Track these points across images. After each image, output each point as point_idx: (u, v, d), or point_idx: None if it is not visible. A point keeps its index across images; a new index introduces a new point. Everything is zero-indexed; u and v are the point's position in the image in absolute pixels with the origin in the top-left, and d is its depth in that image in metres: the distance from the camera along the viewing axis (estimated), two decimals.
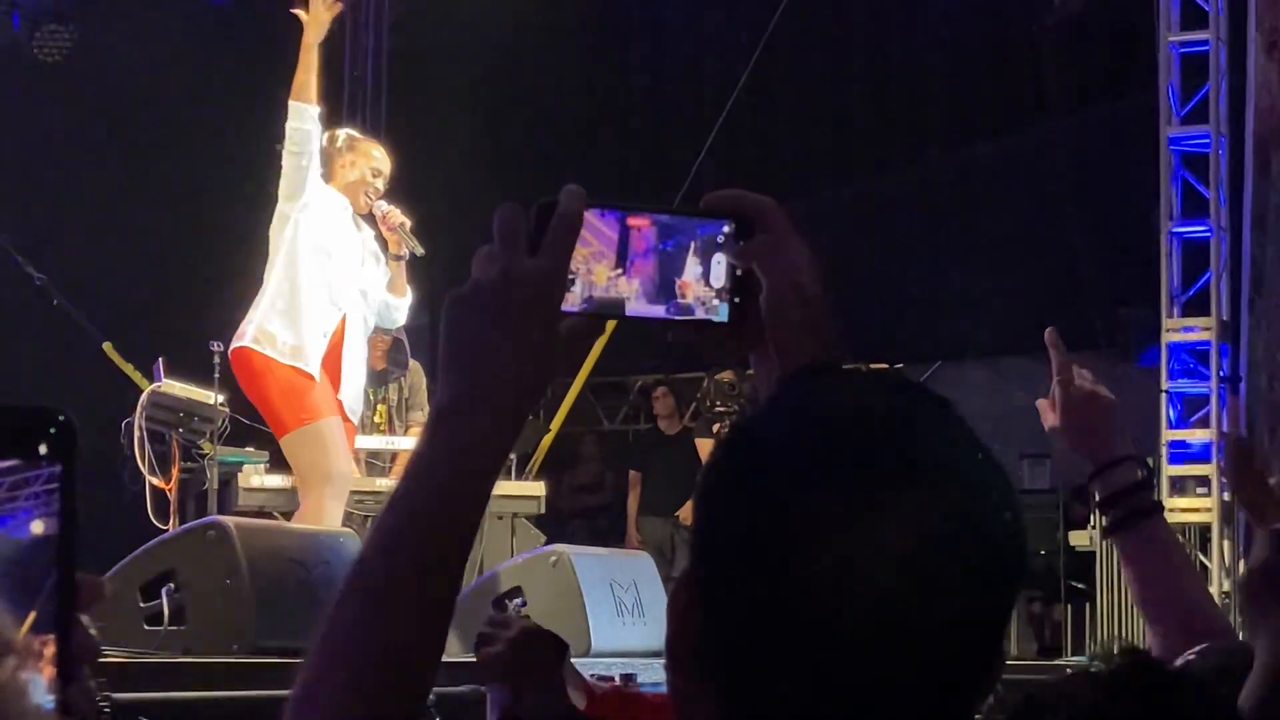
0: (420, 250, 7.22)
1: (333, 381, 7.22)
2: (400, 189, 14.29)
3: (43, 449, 0.98)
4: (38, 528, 0.97)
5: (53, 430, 0.98)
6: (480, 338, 1.38)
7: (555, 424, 12.68)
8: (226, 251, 14.35)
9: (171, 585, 6.05)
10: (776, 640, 1.15)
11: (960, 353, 14.72)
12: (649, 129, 14.85)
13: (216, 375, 8.99)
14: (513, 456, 10.34)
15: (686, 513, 12.05)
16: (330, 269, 7.18)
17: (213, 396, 8.97)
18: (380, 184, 7.28)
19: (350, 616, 1.34)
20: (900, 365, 14.84)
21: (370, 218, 7.38)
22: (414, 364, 9.95)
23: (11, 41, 11.92)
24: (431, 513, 1.35)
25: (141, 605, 6.04)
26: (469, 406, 1.37)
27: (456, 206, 14.97)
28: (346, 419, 7.30)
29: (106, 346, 12.30)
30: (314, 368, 7.12)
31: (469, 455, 1.37)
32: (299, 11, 7.40)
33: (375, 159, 7.35)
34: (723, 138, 12.53)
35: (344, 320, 7.21)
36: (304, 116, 7.17)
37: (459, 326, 1.39)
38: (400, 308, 7.40)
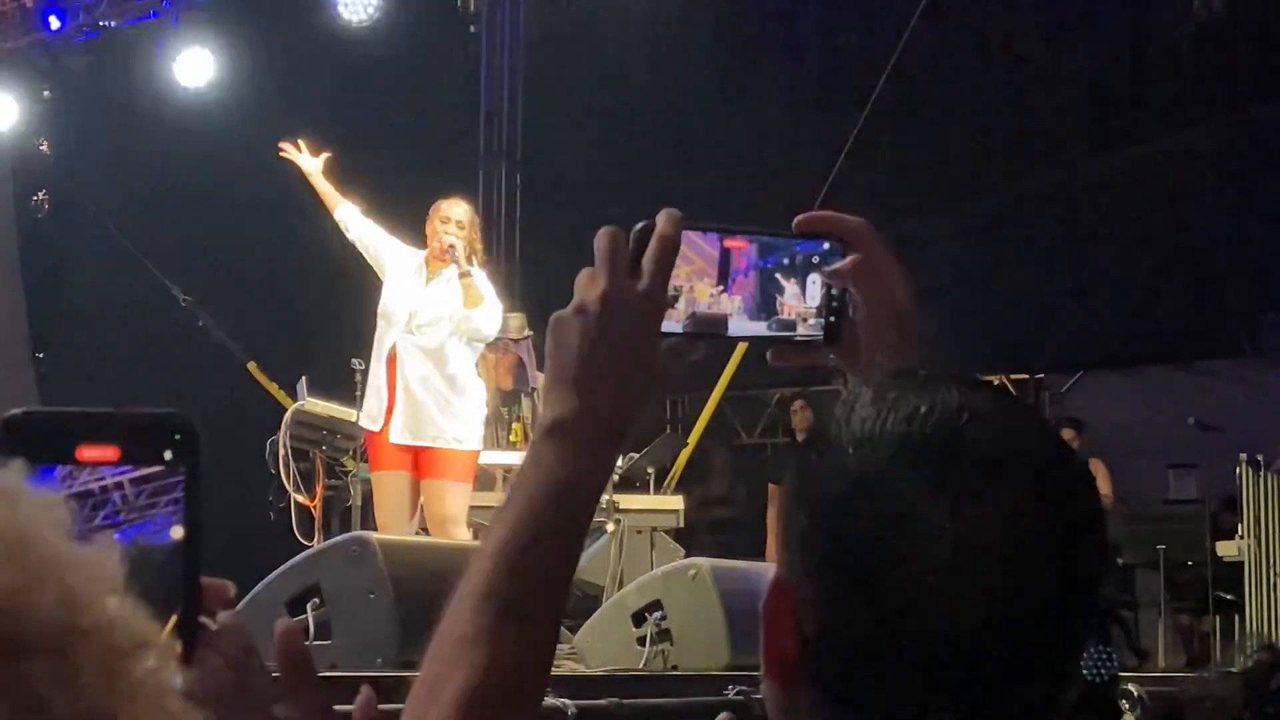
0: (463, 267, 7.94)
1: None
2: (534, 211, 14.41)
3: (168, 454, 0.99)
4: (178, 533, 0.99)
5: (177, 436, 0.99)
6: (583, 357, 1.41)
7: (693, 438, 12.68)
8: (367, 270, 14.48)
9: (316, 600, 6.13)
10: (865, 637, 1.15)
11: (1104, 362, 14.53)
12: (784, 143, 14.82)
13: (358, 393, 9.08)
14: (650, 470, 10.37)
15: None
16: (387, 332, 8.12)
17: (354, 414, 9.05)
18: (451, 228, 8.08)
19: (459, 629, 1.37)
20: (1042, 375, 14.73)
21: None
22: (543, 377, 10.01)
23: (156, 68, 12.15)
24: (536, 529, 1.38)
25: (288, 620, 6.12)
26: (572, 425, 1.40)
27: (590, 229, 15.01)
28: (427, 450, 7.93)
29: (251, 366, 12.49)
30: (374, 424, 8.05)
31: (572, 473, 1.39)
32: (286, 155, 8.47)
33: (445, 210, 8.21)
34: (859, 149, 12.48)
35: (391, 362, 8.03)
36: (339, 215, 8.41)
37: (562, 346, 1.43)
38: (477, 317, 7.97)
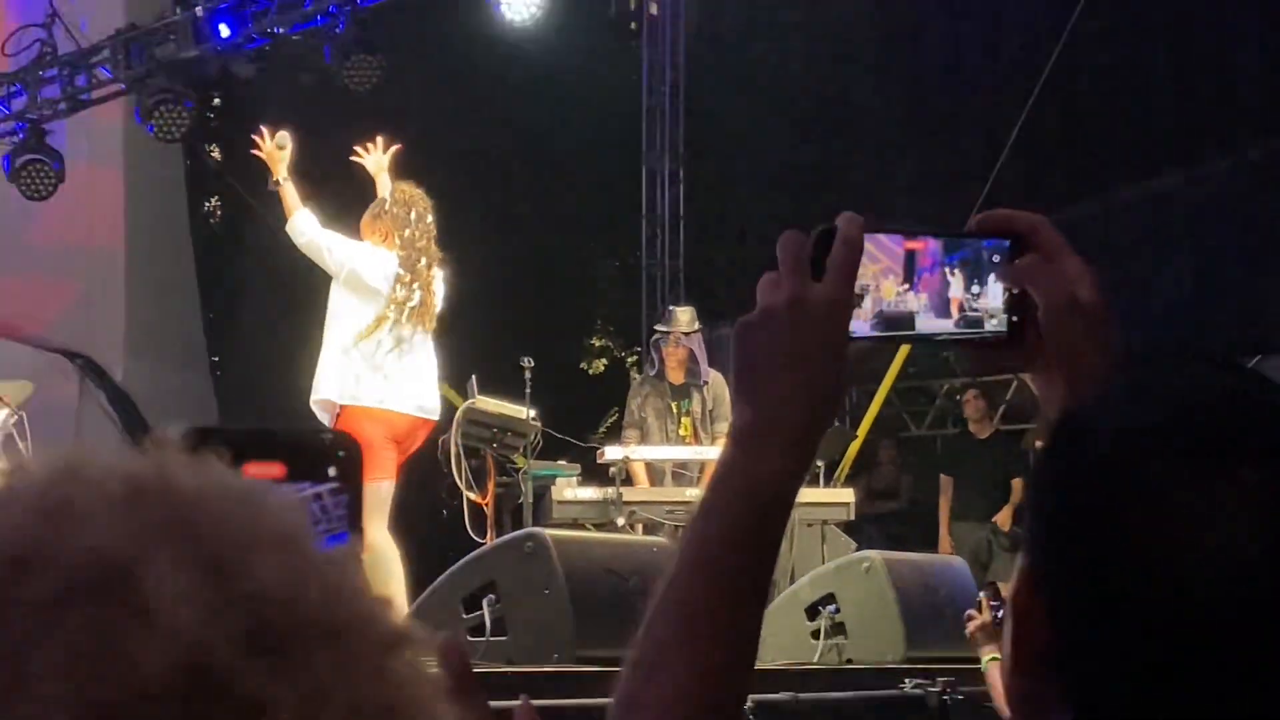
0: (277, 174, 8.02)
1: None
2: (698, 206, 14.41)
3: (332, 471, 1.02)
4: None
5: (340, 453, 1.02)
6: (771, 363, 1.41)
7: (861, 430, 12.61)
8: (537, 269, 14.61)
9: (492, 597, 6.18)
10: (1125, 631, 1.12)
11: None
12: (947, 133, 14.70)
13: (528, 390, 9.16)
14: (820, 464, 10.32)
15: (1003, 518, 11.85)
16: None
17: (524, 411, 9.13)
18: None
19: (661, 635, 1.38)
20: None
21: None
22: (715, 374, 9.98)
23: (323, 73, 12.33)
24: (731, 535, 1.39)
25: (464, 616, 6.18)
26: (763, 431, 1.40)
27: (754, 223, 15.04)
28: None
29: None
30: None
31: (765, 479, 1.40)
32: (359, 159, 8.36)
33: None
34: (1024, 135, 12.34)
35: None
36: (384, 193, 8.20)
37: (750, 353, 1.43)
38: (289, 230, 8.00)
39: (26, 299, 14.24)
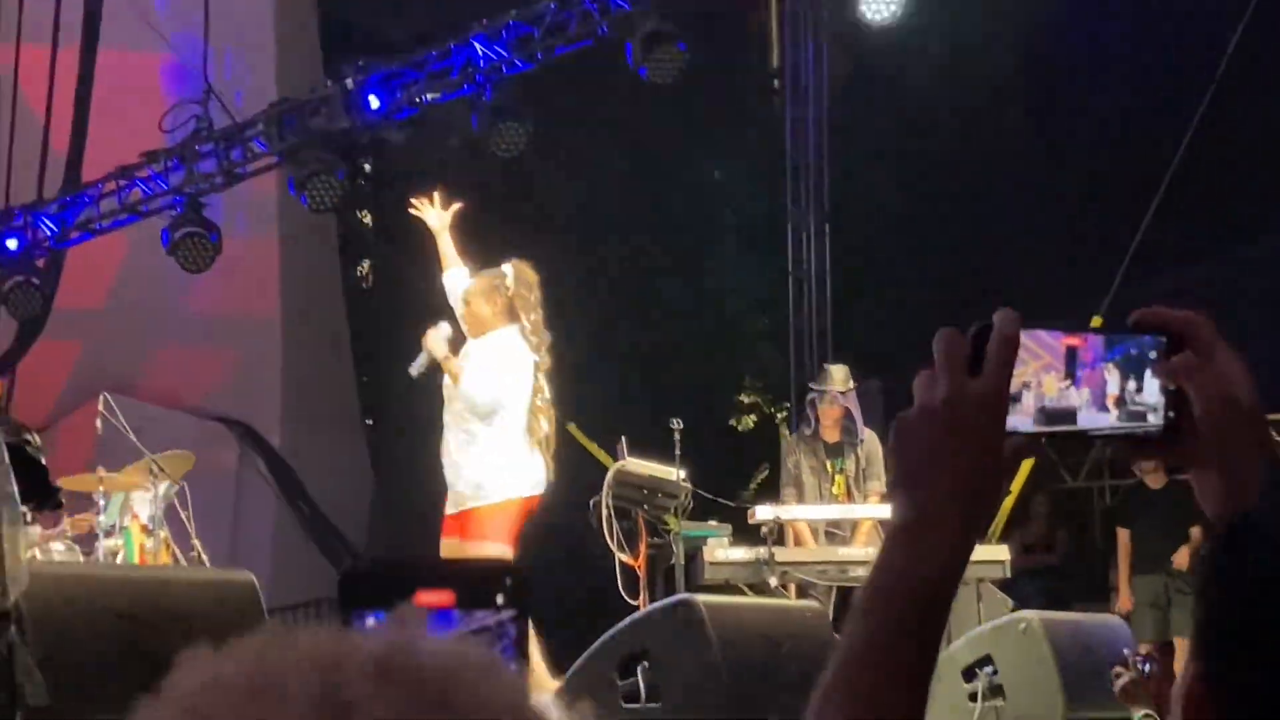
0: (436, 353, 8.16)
1: None
2: (845, 262, 14.36)
3: (500, 599, 1.05)
4: None
5: (509, 580, 1.06)
6: (931, 459, 1.43)
7: (1016, 485, 12.45)
8: (684, 328, 14.55)
9: (645, 663, 6.19)
10: None
11: None
12: (1094, 183, 14.56)
13: (677, 452, 9.18)
14: None
15: (1182, 559, 11.64)
16: None
17: (674, 472, 9.15)
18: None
19: (834, 718, 1.38)
20: None
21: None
22: (869, 433, 9.93)
23: (471, 139, 12.50)
24: (895, 630, 1.42)
25: (619, 683, 6.20)
26: (923, 526, 1.43)
27: (902, 279, 14.98)
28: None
29: (571, 427, 12.69)
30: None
31: (926, 576, 1.43)
32: (416, 210, 8.51)
33: None
34: (1176, 184, 12.19)
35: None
36: (447, 278, 8.37)
37: (908, 448, 1.45)
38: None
39: (186, 368, 14.53)
